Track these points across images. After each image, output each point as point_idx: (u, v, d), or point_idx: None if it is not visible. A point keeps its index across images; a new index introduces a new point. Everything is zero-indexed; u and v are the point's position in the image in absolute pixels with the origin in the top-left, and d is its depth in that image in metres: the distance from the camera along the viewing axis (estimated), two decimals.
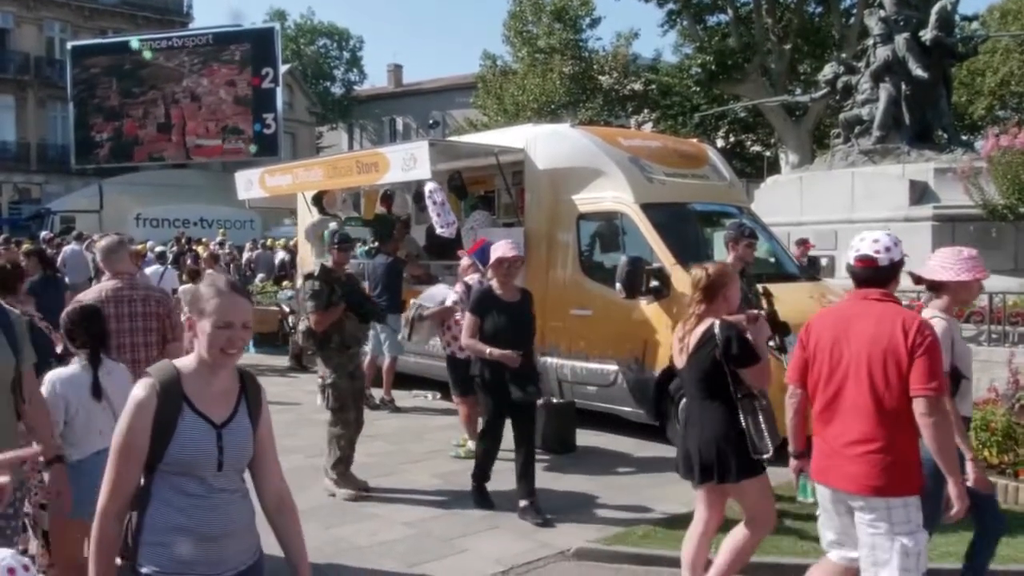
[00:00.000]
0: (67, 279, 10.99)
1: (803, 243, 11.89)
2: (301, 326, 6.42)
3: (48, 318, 5.12)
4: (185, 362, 2.34)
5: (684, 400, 7.11)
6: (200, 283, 2.48)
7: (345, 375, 6.11)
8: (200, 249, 18.16)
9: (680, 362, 3.98)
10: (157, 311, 4.81)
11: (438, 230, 8.93)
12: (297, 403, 9.65)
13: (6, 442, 2.89)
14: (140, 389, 2.26)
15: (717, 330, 3.74)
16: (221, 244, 19.02)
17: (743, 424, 3.76)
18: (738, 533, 3.95)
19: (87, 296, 4.73)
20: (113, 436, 2.27)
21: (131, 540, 2.26)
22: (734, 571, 3.97)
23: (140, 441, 2.22)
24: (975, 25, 27.08)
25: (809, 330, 3.47)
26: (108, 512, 2.24)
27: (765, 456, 3.79)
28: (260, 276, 17.32)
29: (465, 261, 7.45)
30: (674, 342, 4.04)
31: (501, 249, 5.70)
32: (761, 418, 3.74)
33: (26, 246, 9.39)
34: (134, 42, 29.70)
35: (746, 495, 3.87)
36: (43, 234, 17.68)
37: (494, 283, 5.74)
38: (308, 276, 6.35)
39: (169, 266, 13.29)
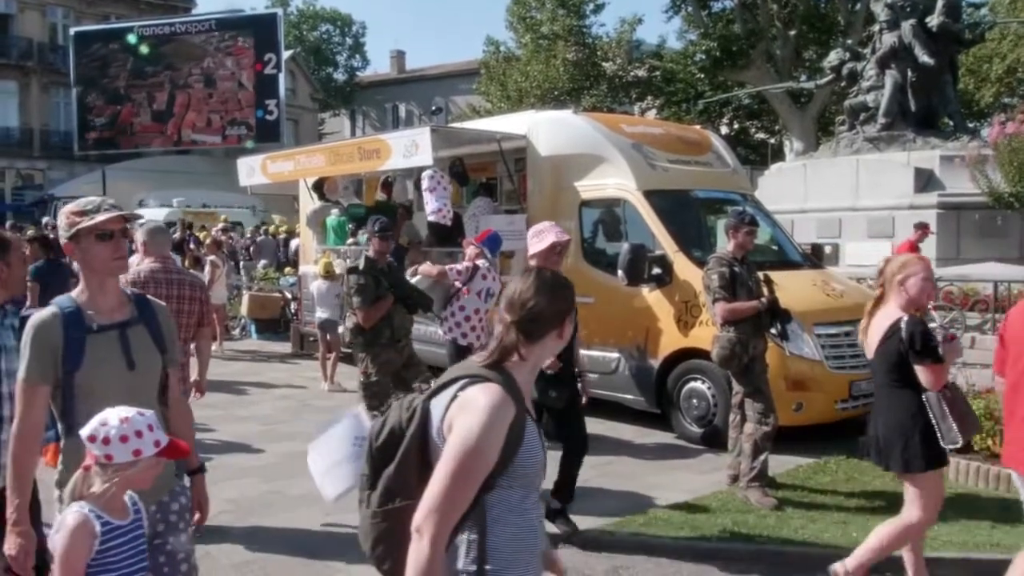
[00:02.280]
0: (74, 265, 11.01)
1: (922, 227, 11.26)
2: (348, 323, 6.07)
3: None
4: (516, 366, 2.04)
5: (687, 387, 7.13)
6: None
7: (391, 373, 5.85)
8: (202, 235, 18.15)
9: (867, 351, 4.07)
10: (199, 296, 4.99)
11: (428, 216, 8.91)
12: (302, 387, 9.67)
13: (187, 441, 2.69)
14: (497, 395, 1.93)
15: (903, 324, 3.79)
16: (224, 230, 19.00)
17: (930, 415, 3.77)
18: (898, 522, 3.97)
19: (140, 274, 4.84)
20: (453, 453, 1.89)
21: (469, 571, 1.94)
22: (879, 557, 4.02)
23: (492, 457, 1.91)
24: (983, 11, 26.85)
25: (1007, 322, 3.65)
26: (440, 540, 1.86)
27: (953, 447, 3.82)
28: (263, 262, 17.31)
29: (471, 250, 7.38)
30: (861, 329, 4.15)
31: (551, 233, 4.83)
32: (947, 408, 3.75)
33: (29, 232, 9.38)
34: (131, 37, 29.63)
35: (920, 485, 3.88)
36: (45, 220, 17.66)
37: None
38: (352, 270, 6.03)
39: (173, 253, 13.31)
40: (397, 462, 2.02)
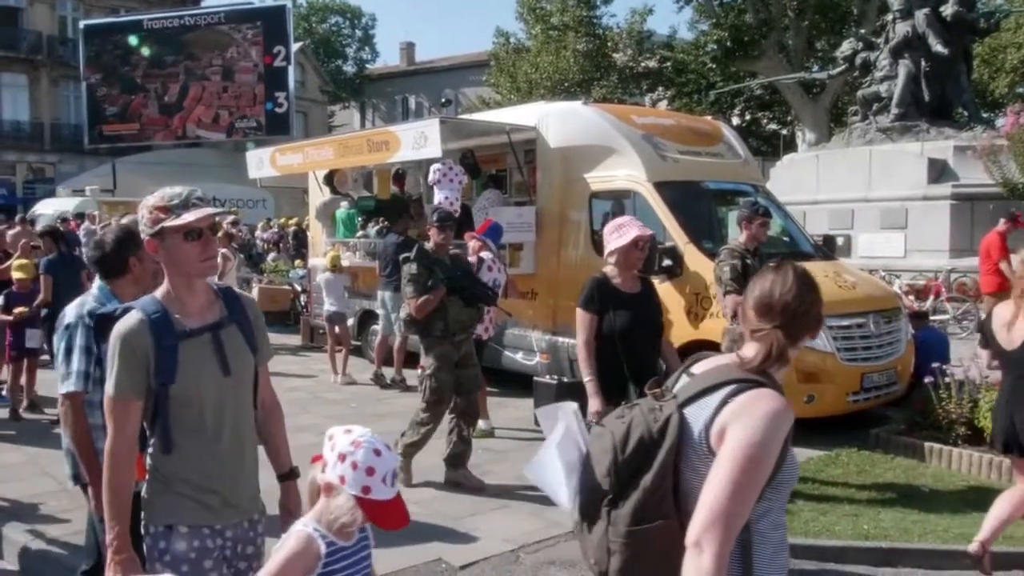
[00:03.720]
0: (85, 256, 11.06)
1: (1013, 219, 10.94)
2: (402, 313, 5.92)
3: (67, 295, 5.32)
4: (776, 371, 1.96)
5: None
6: None
7: (448, 366, 5.68)
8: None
9: (1008, 342, 4.09)
10: None
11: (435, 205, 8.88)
12: (312, 378, 9.69)
13: (251, 459, 2.51)
14: (777, 401, 1.83)
15: None
16: (234, 223, 19.03)
17: None
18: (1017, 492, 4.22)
19: None
20: (733, 461, 1.75)
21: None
22: (1007, 523, 4.23)
23: (771, 466, 1.79)
24: (998, 0, 26.58)
25: None
26: (724, 554, 1.72)
27: None
28: (272, 255, 17.35)
29: (474, 243, 7.36)
30: (997, 319, 4.17)
31: (633, 227, 4.33)
32: None
33: (41, 226, 9.43)
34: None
35: None
36: (56, 212, 17.72)
37: (608, 270, 4.47)
38: (405, 259, 5.86)
39: None
40: (654, 476, 1.86)
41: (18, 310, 7.46)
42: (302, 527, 2.05)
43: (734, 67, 28.60)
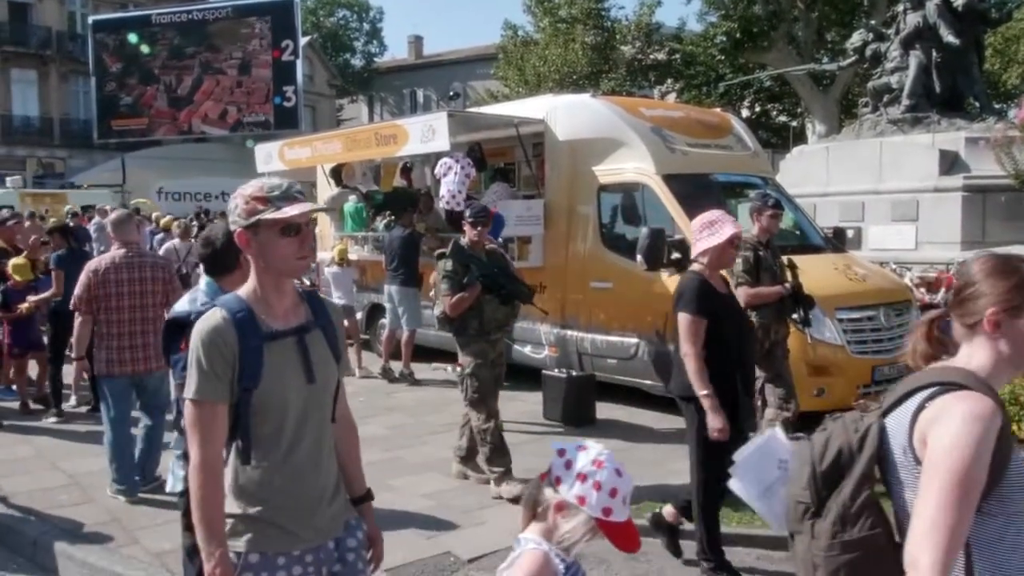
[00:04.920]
0: (96, 251, 11.09)
1: None
2: (436, 311, 5.77)
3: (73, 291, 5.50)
4: (997, 370, 1.82)
5: None
6: None
7: (487, 363, 5.58)
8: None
9: None
10: (162, 276, 5.44)
11: (440, 203, 8.88)
12: None
13: (332, 474, 2.29)
14: (979, 402, 1.67)
15: None
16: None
17: None
18: None
19: (102, 262, 5.38)
20: (937, 469, 1.63)
21: None
22: None
23: (981, 474, 1.64)
24: None
25: None
26: (944, 570, 1.58)
27: None
28: None
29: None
30: None
31: (728, 224, 4.05)
32: None
33: (51, 221, 9.45)
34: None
35: None
36: (67, 208, 17.80)
37: (696, 267, 4.15)
38: (440, 255, 5.75)
39: (194, 240, 13.37)
40: (853, 488, 1.79)
41: (28, 302, 7.48)
42: (535, 545, 1.91)
43: (743, 59, 28.43)
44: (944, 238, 13.54)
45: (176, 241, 10.96)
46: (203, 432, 2.08)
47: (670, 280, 7.35)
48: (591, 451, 1.92)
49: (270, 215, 2.10)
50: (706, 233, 4.05)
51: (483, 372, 5.54)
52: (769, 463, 2.08)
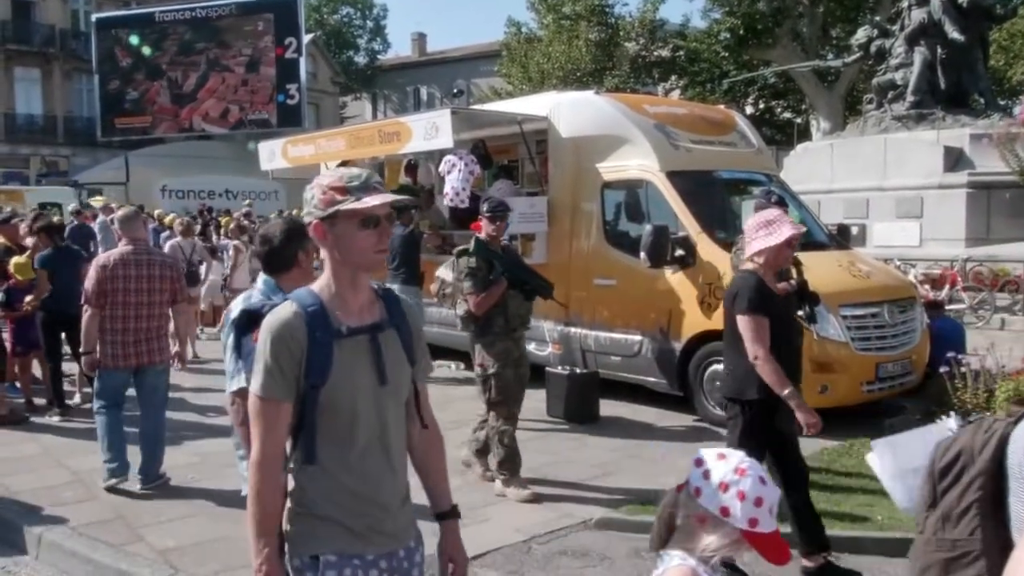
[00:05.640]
0: (101, 249, 11.09)
1: None
2: (459, 310, 5.61)
3: (64, 290, 5.51)
4: None
5: (710, 370, 7.07)
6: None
7: (511, 363, 5.46)
8: (224, 220, 18.23)
9: None
10: (170, 274, 5.49)
11: (444, 200, 8.86)
12: None
13: (404, 481, 2.22)
14: None
15: None
16: (247, 215, 19.08)
17: None
18: None
19: (110, 258, 5.41)
20: None
21: None
22: None
23: None
24: None
25: None
26: None
27: None
28: None
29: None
30: None
31: (786, 225, 3.93)
32: None
33: (32, 223, 9.41)
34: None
35: None
36: (70, 206, 17.83)
37: (751, 266, 4.07)
38: (462, 252, 5.56)
39: (197, 238, 13.38)
40: (963, 488, 1.77)
41: (28, 299, 7.49)
42: (681, 561, 1.80)
43: (747, 55, 28.38)
44: (948, 235, 13.51)
45: (179, 239, 10.95)
46: (265, 428, 2.03)
47: (673, 277, 7.35)
48: (731, 459, 1.82)
49: (349, 205, 2.00)
50: (763, 233, 3.95)
51: (507, 372, 5.42)
52: (923, 447, 1.99)
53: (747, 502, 1.75)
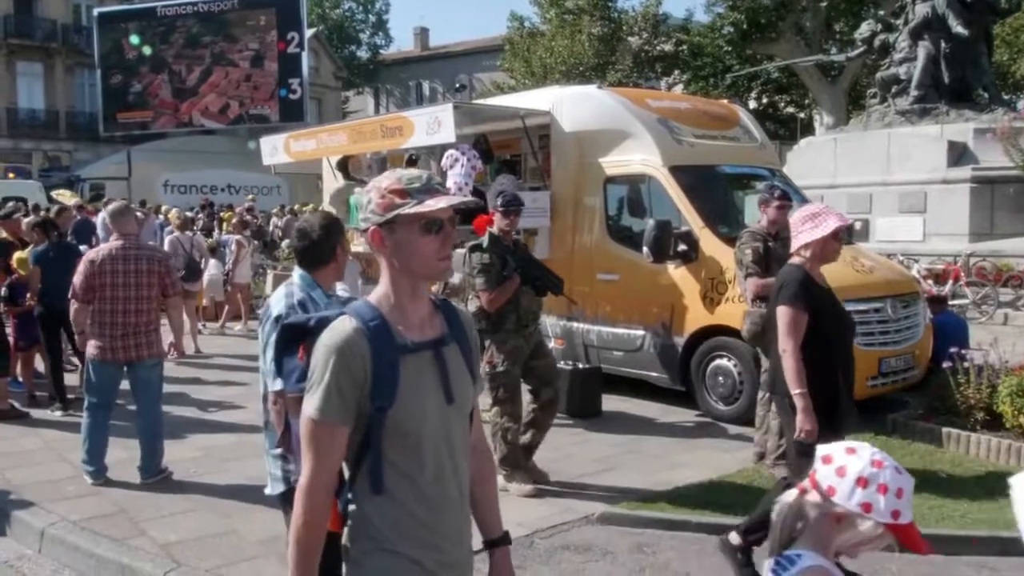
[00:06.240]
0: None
1: None
2: (471, 306, 5.48)
3: (58, 285, 5.57)
4: None
5: (712, 365, 7.06)
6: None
7: (521, 361, 5.40)
8: (226, 215, 18.25)
9: None
10: (158, 269, 5.48)
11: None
12: None
13: (468, 507, 2.04)
14: None
15: None
16: (249, 210, 19.09)
17: None
18: None
19: (99, 253, 5.45)
20: None
21: None
22: None
23: None
24: None
25: None
26: None
27: None
28: (286, 242, 17.38)
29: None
30: None
31: (832, 217, 3.81)
32: None
33: (31, 218, 9.42)
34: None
35: None
36: (74, 200, 17.83)
37: (798, 260, 3.95)
38: (475, 248, 5.46)
39: (198, 232, 13.39)
40: None
41: (30, 297, 7.52)
42: (813, 562, 1.73)
43: (751, 50, 28.31)
44: (952, 230, 13.49)
45: (178, 233, 10.93)
46: (319, 454, 1.84)
47: (676, 272, 7.34)
48: (863, 452, 1.75)
49: (411, 209, 1.83)
50: (809, 226, 3.86)
51: (515, 371, 5.38)
52: None
53: (889, 494, 1.69)
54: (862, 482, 1.70)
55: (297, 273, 3.12)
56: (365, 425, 1.85)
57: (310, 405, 1.84)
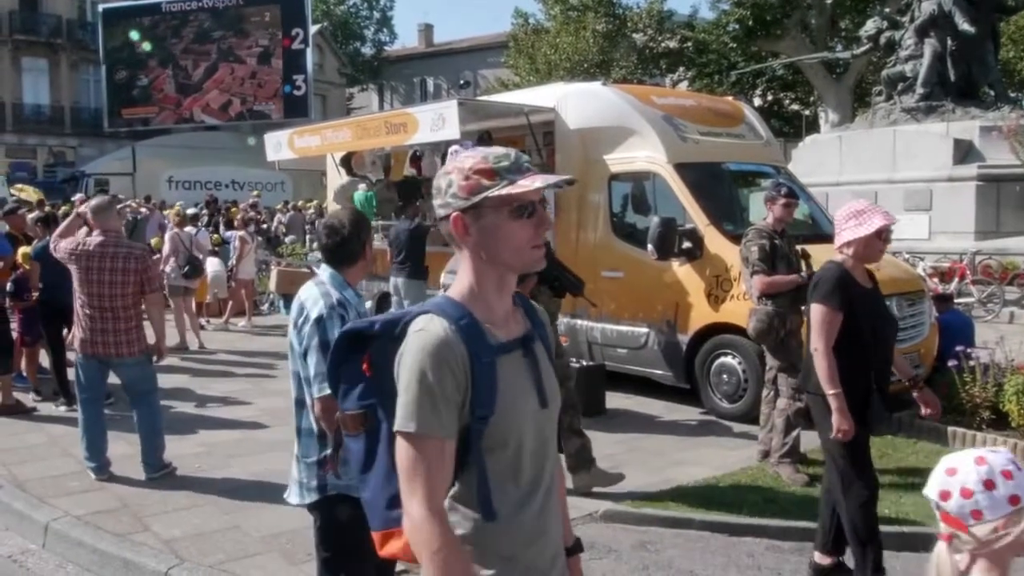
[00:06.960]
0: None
1: None
2: None
3: (56, 280, 5.59)
4: None
5: (717, 362, 7.05)
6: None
7: None
8: (233, 211, 18.25)
9: None
10: (135, 267, 5.45)
11: None
12: None
13: (557, 519, 1.83)
14: None
15: None
16: (254, 206, 19.11)
17: None
18: None
19: (85, 243, 5.45)
20: None
21: None
22: None
23: None
24: None
25: None
26: None
27: None
28: (290, 238, 17.41)
29: None
30: None
31: (877, 215, 3.69)
32: None
33: (35, 213, 9.42)
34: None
35: None
36: (77, 196, 17.86)
37: (839, 258, 3.85)
38: None
39: (203, 228, 13.40)
40: None
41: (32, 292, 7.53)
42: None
43: (756, 47, 28.24)
44: (958, 228, 13.44)
45: (177, 230, 10.93)
46: (429, 477, 1.57)
47: (680, 269, 7.32)
48: (995, 459, 1.64)
49: (501, 191, 1.61)
50: (852, 223, 3.74)
51: None
52: None
53: (1003, 481, 1.60)
54: (988, 484, 1.62)
55: (327, 272, 2.99)
56: (464, 439, 1.62)
57: (407, 420, 1.59)
